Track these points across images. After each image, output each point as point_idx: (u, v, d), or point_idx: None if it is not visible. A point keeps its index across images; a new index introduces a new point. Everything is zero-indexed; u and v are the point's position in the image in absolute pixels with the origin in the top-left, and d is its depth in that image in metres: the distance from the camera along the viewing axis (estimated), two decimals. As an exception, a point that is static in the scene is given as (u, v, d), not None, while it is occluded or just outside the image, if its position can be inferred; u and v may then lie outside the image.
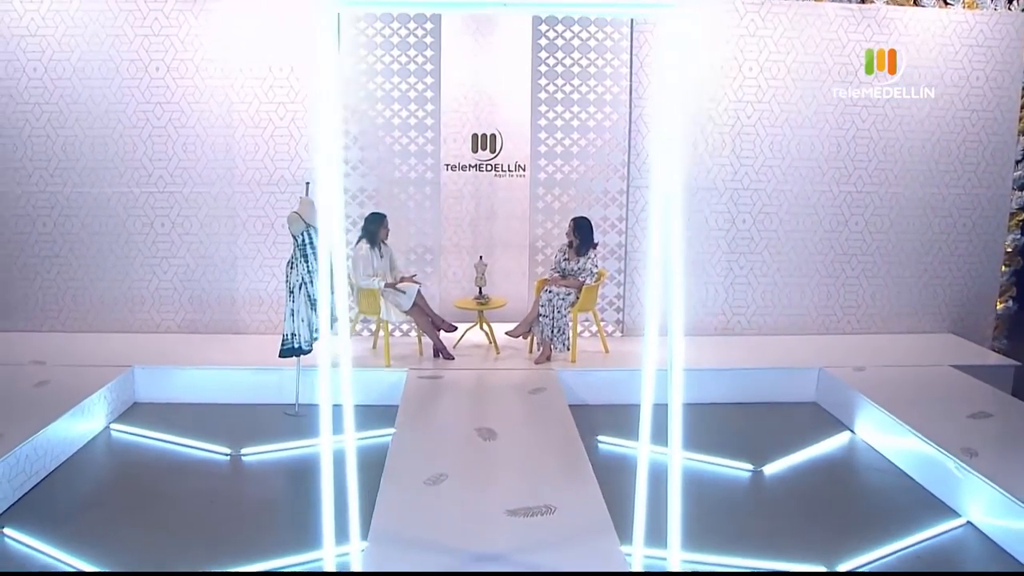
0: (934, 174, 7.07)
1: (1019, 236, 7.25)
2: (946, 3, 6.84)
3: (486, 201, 7.52)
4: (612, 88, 6.67)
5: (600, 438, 5.24)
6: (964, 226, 7.17)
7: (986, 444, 4.69)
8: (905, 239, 7.14)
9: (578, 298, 6.20)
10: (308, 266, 5.47)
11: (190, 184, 6.70)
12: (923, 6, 6.81)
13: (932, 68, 6.88)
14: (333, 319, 4.14)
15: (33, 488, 4.49)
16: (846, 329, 7.21)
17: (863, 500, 4.67)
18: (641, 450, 2.98)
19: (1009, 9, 6.88)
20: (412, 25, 6.49)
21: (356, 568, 3.15)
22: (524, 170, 7.30)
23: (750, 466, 4.93)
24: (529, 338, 6.47)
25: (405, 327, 6.70)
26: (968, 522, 4.27)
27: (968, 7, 6.85)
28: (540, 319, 6.21)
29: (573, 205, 6.74)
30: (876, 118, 6.91)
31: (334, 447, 2.76)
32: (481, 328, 6.62)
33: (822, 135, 6.91)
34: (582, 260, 6.26)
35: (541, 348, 6.25)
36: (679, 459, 2.74)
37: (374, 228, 6.15)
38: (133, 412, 5.71)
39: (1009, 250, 7.27)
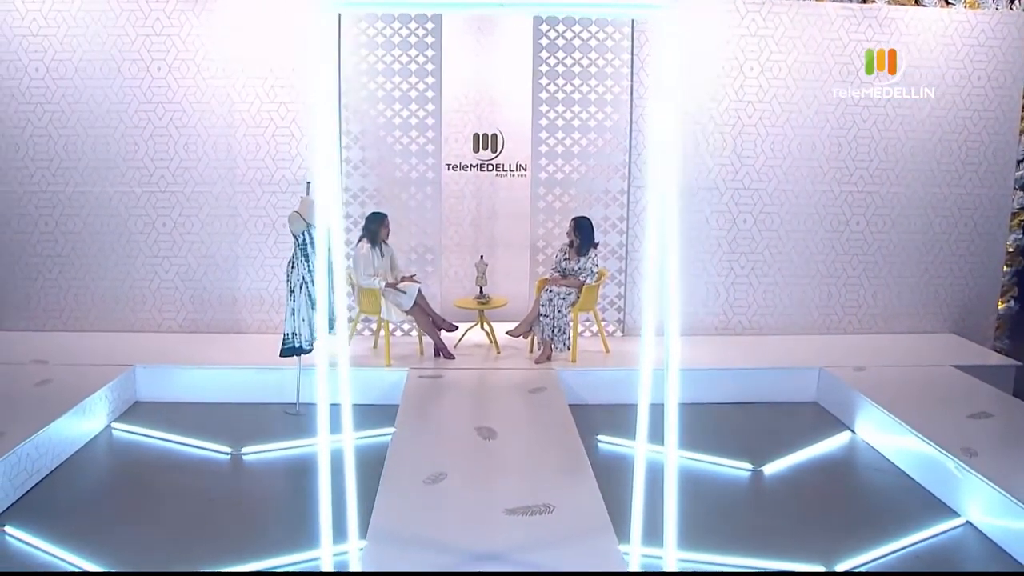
0: (935, 174, 7.06)
1: (1020, 236, 7.24)
2: (947, 3, 6.83)
3: (487, 201, 7.52)
4: (613, 88, 6.67)
5: (600, 438, 5.25)
6: (965, 226, 7.16)
7: (986, 444, 4.69)
8: (906, 239, 7.13)
9: (579, 298, 6.21)
10: (309, 265, 5.48)
11: (191, 184, 6.71)
12: (924, 6, 6.80)
13: (933, 68, 6.87)
14: (332, 319, 4.14)
15: (34, 487, 4.51)
16: (847, 329, 7.20)
17: (863, 500, 4.67)
18: (638, 450, 2.99)
19: (1010, 8, 6.87)
20: (413, 25, 6.50)
21: (355, 567, 3.15)
22: (525, 170, 7.31)
23: (750, 466, 4.94)
24: (530, 338, 6.47)
25: (406, 327, 6.71)
26: (967, 522, 4.27)
27: (969, 7, 6.84)
28: (541, 319, 6.22)
29: (574, 205, 6.75)
30: (877, 118, 6.91)
31: (333, 446, 2.77)
32: (482, 328, 6.63)
33: (823, 135, 6.91)
34: (583, 260, 6.26)
35: (541, 348, 6.26)
36: (675, 458, 2.75)
37: (375, 228, 6.16)
38: (134, 411, 5.73)
39: (1010, 250, 7.26)
